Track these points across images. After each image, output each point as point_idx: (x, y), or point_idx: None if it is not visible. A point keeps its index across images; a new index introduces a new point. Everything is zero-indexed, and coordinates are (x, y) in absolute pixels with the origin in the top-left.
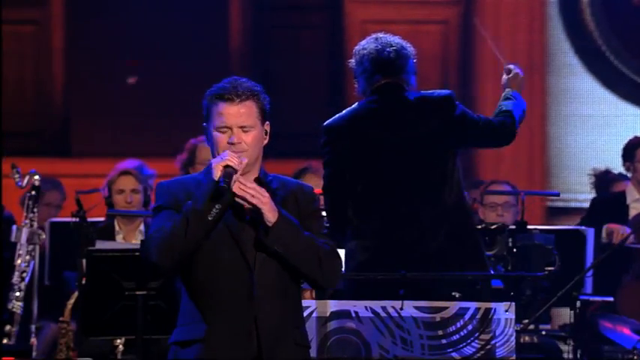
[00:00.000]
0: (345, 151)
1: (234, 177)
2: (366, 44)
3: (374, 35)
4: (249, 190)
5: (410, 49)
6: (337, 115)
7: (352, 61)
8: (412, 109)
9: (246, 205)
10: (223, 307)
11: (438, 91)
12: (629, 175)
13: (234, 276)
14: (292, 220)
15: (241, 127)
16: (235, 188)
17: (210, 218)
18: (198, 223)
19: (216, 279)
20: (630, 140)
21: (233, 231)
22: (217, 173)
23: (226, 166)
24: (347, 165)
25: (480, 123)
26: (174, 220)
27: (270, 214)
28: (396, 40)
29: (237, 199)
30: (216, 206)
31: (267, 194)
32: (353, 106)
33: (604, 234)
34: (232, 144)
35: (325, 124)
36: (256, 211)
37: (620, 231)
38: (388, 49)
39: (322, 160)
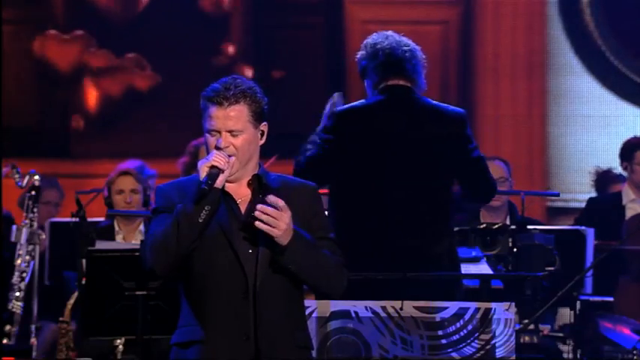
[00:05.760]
0: (351, 142)
1: (221, 177)
2: (378, 39)
3: (383, 33)
4: (263, 217)
5: (420, 52)
6: (350, 105)
7: (362, 54)
8: (423, 115)
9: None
10: (220, 310)
11: (453, 107)
12: (625, 175)
13: (229, 280)
14: (306, 238)
15: (230, 131)
16: (257, 213)
17: (200, 220)
18: (188, 225)
19: (212, 283)
20: (629, 140)
21: (228, 234)
22: (203, 175)
23: (211, 167)
24: (347, 157)
25: (478, 158)
26: (166, 224)
27: (284, 239)
28: (407, 40)
29: (256, 224)
30: (206, 207)
31: (286, 220)
32: (363, 100)
33: None
34: (219, 148)
35: (339, 109)
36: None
37: None
38: (404, 48)
39: (313, 141)
